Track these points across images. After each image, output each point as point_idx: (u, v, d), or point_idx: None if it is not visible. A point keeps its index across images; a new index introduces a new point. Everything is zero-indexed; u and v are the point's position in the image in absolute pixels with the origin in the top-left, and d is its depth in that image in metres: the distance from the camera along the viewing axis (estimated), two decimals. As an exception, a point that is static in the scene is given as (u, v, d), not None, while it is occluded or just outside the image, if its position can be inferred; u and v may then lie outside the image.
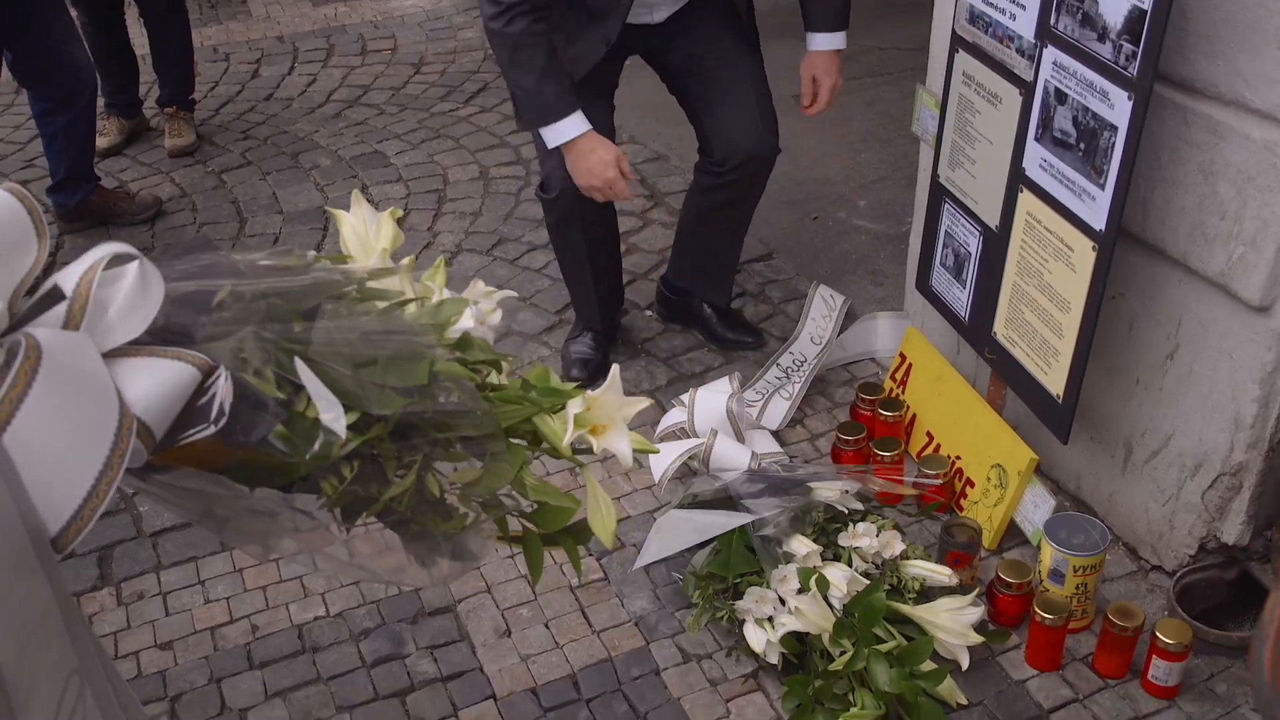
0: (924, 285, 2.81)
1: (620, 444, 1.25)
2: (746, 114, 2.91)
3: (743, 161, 2.91)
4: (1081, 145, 2.15)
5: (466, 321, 1.20)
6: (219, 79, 5.16)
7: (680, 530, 2.47)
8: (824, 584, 2.26)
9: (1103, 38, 2.05)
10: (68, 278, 0.97)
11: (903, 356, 2.92)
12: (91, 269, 0.97)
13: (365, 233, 1.31)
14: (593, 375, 3.10)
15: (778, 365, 3.05)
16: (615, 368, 1.35)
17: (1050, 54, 2.20)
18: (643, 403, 1.31)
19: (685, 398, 2.81)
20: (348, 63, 5.28)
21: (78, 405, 0.92)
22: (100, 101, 4.25)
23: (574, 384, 1.21)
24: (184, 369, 0.98)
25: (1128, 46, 2.00)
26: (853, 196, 3.99)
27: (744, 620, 2.32)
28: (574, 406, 1.20)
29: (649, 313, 3.42)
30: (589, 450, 1.22)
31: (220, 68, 5.27)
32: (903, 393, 2.88)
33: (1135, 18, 1.97)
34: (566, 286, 3.23)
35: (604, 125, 2.85)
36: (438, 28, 5.61)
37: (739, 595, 2.34)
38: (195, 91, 4.68)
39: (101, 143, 4.38)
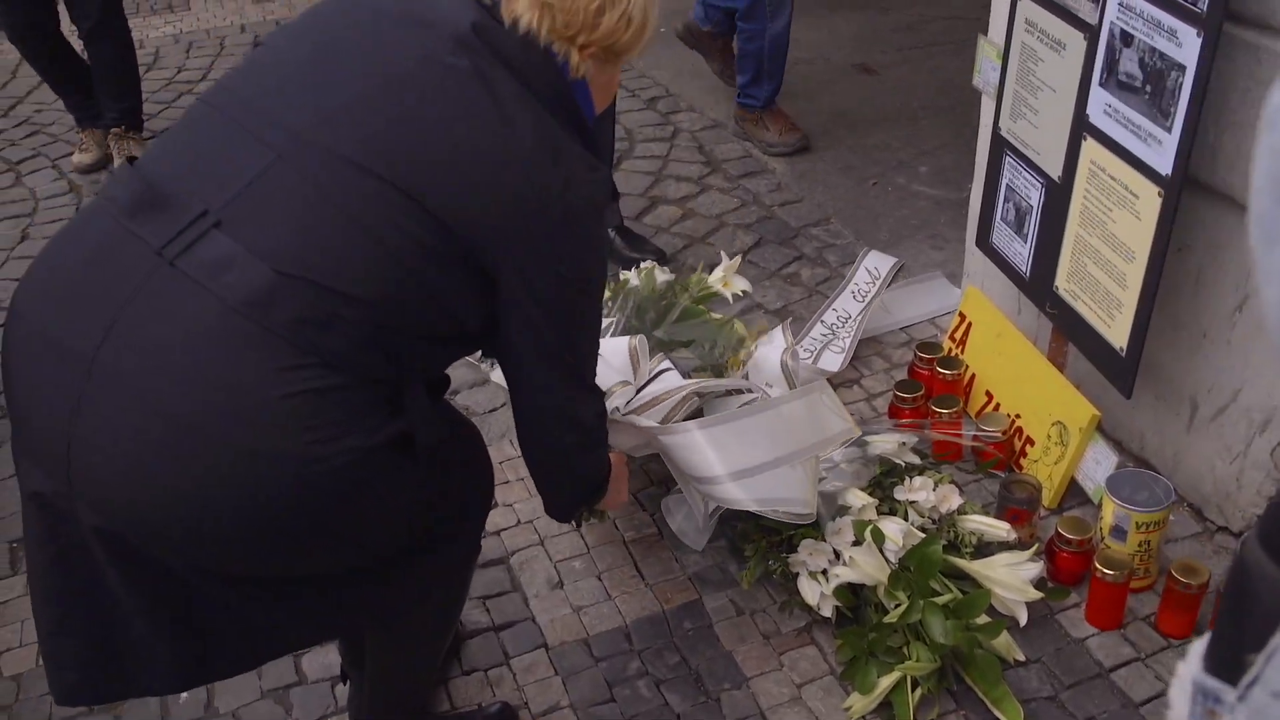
0: (984, 242, 2.76)
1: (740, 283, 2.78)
2: None
3: None
4: (1148, 88, 2.10)
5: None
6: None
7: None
8: (879, 536, 2.22)
9: (1171, -26, 1.99)
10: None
11: (962, 316, 2.87)
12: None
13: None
14: None
15: (822, 322, 3.02)
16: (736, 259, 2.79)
17: (1116, -5, 2.15)
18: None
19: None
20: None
21: None
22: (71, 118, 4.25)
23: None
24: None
25: (1197, -18, 1.94)
26: (913, 162, 3.94)
27: (798, 573, 2.29)
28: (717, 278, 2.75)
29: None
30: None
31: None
32: (962, 352, 2.84)
33: (1205, -48, 1.91)
34: None
35: None
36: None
37: (793, 549, 2.31)
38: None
39: (85, 159, 4.22)
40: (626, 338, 2.32)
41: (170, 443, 1.44)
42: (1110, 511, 2.28)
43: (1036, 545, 2.35)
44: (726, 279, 2.69)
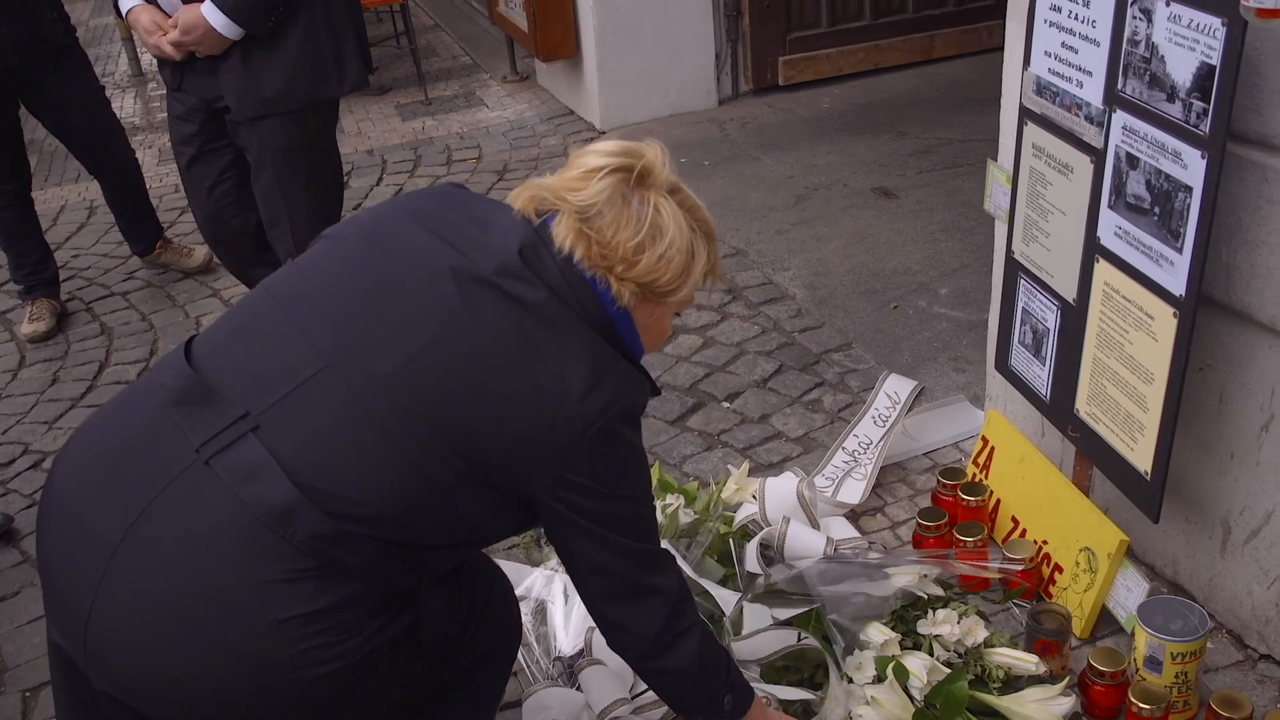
0: (1003, 366, 2.73)
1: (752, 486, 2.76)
2: None
3: None
4: (1156, 209, 2.08)
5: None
6: (309, 191, 5.30)
7: (758, 622, 2.39)
8: (902, 673, 2.15)
9: (1172, 97, 1.99)
10: None
11: (985, 440, 2.83)
12: None
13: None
14: None
15: (843, 449, 2.97)
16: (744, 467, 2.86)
17: (1120, 118, 2.14)
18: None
19: (754, 490, 2.73)
20: (433, 172, 5.41)
21: None
22: (19, 288, 4.22)
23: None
24: None
25: (1198, 104, 1.94)
26: (933, 285, 3.92)
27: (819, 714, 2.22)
28: (730, 488, 2.77)
29: (726, 404, 3.38)
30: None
31: (311, 181, 5.41)
32: (986, 477, 2.78)
33: (1204, 74, 1.91)
34: None
35: None
36: (521, 136, 5.73)
37: (815, 687, 2.24)
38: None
39: (38, 328, 4.12)
40: None
41: (175, 638, 1.48)
42: (1144, 642, 2.20)
43: (1068, 678, 2.27)
44: (740, 486, 2.74)
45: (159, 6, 3.10)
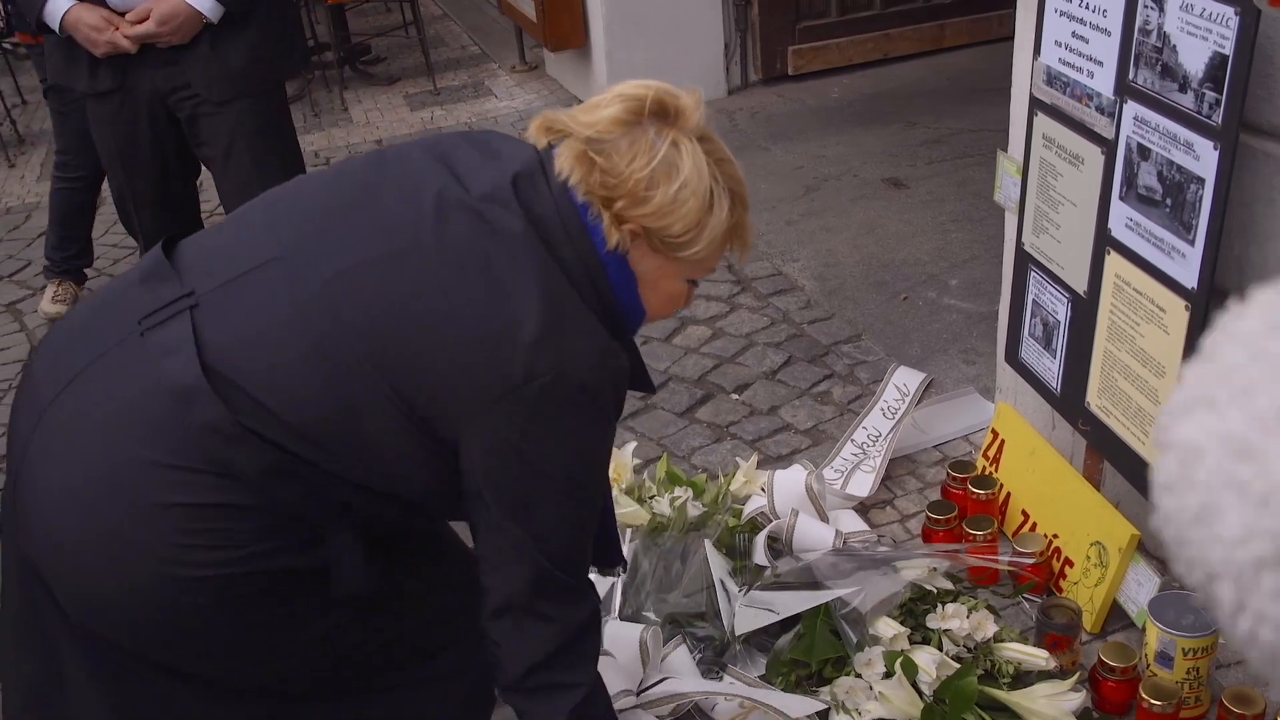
0: (1014, 358, 2.71)
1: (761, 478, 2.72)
2: None
3: None
4: (1168, 201, 2.06)
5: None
6: (318, 182, 5.30)
7: (762, 610, 2.38)
8: (911, 668, 2.14)
9: (1184, 88, 1.97)
10: None
11: (995, 433, 2.81)
12: None
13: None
14: None
15: (852, 441, 2.95)
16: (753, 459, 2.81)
17: (1131, 109, 2.12)
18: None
19: (763, 483, 2.71)
20: (442, 163, 5.39)
21: None
22: (48, 263, 4.30)
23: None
24: None
25: (1210, 95, 1.92)
26: (944, 276, 3.90)
27: (828, 707, 2.21)
28: (738, 481, 2.73)
29: (735, 396, 3.36)
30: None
31: (319, 172, 5.41)
32: (996, 470, 2.76)
33: (1217, 64, 1.89)
34: None
35: None
36: (529, 126, 5.70)
37: (824, 681, 2.23)
38: None
39: (60, 309, 4.17)
40: (639, 628, 2.23)
41: (71, 504, 1.49)
42: (1155, 637, 2.19)
43: (1079, 673, 2.25)
44: (749, 479, 2.70)
45: (106, 5, 3.04)
